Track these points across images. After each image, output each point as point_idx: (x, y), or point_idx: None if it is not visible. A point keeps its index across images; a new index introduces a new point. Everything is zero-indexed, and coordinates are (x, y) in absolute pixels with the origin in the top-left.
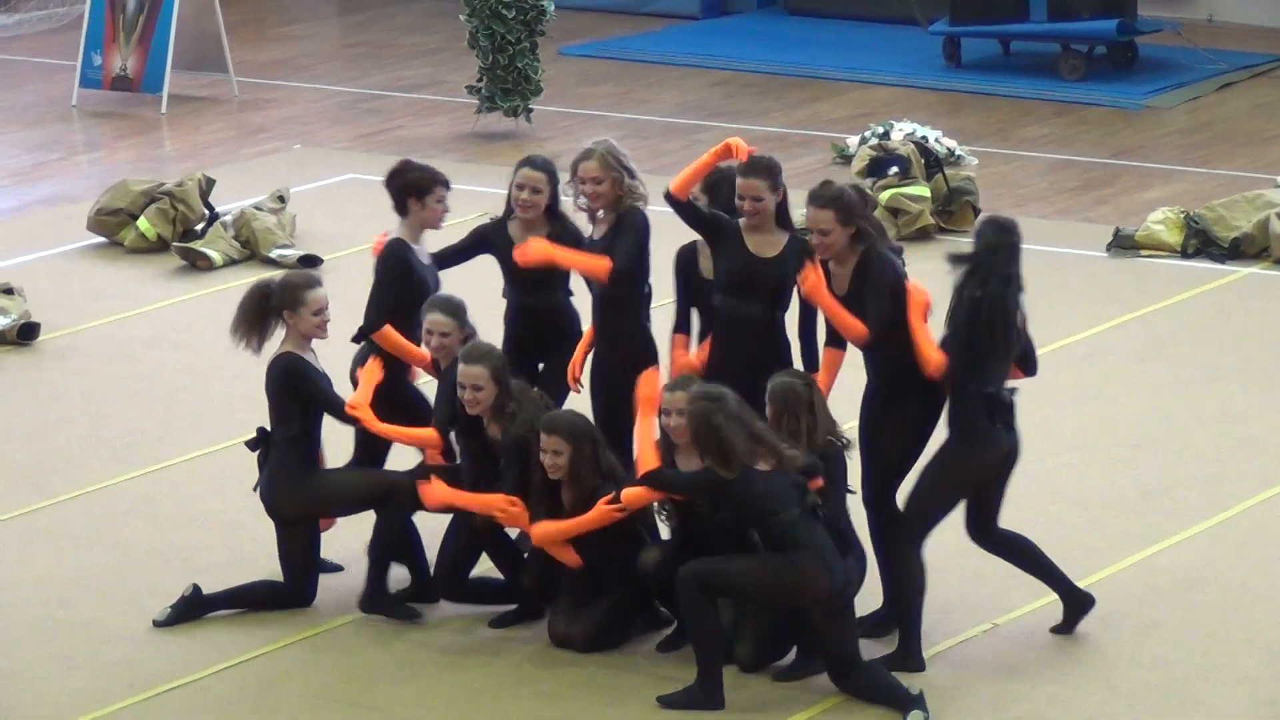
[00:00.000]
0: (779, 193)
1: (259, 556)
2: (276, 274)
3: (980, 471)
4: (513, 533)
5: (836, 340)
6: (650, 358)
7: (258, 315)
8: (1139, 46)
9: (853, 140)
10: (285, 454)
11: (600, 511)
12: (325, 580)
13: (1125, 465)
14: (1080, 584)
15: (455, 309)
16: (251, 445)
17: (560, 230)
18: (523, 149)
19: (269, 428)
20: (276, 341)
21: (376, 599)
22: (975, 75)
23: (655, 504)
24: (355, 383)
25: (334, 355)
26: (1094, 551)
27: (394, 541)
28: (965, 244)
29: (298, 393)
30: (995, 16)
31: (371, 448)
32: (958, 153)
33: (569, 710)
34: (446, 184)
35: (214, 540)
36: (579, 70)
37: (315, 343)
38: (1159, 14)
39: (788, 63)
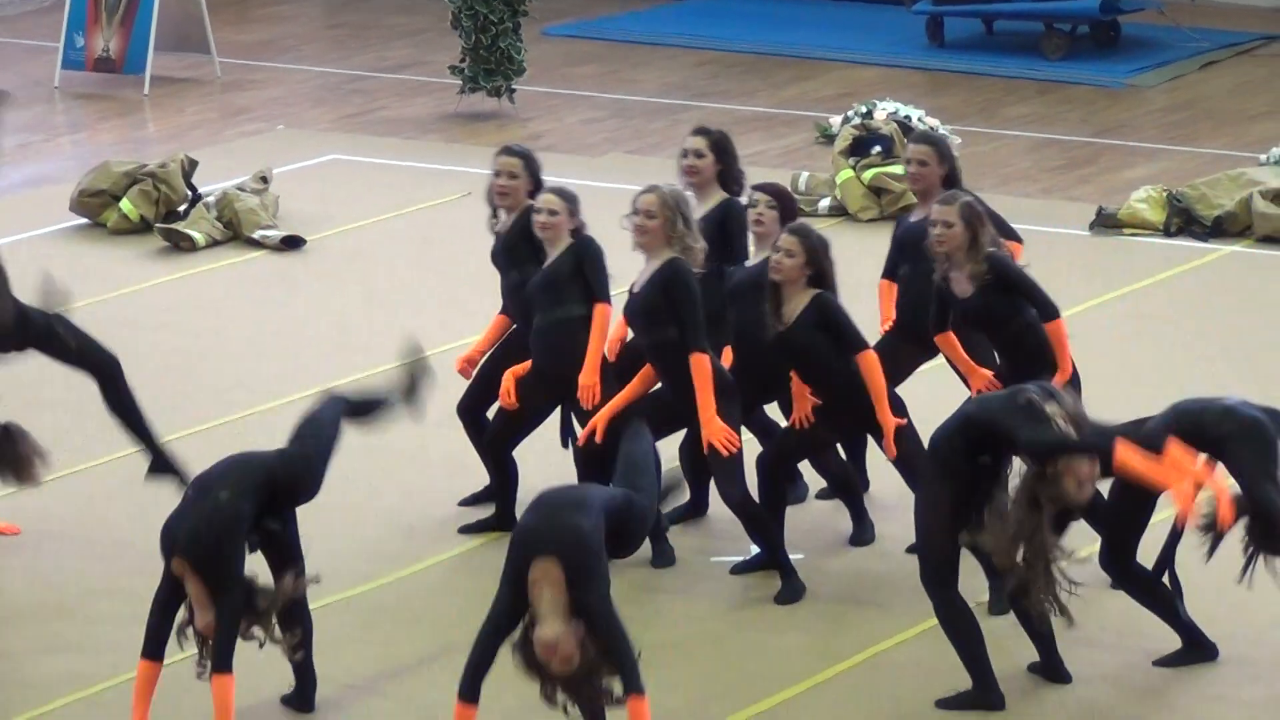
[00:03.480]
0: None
1: None
2: None
3: None
4: None
5: None
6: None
7: None
8: (1121, 25)
9: (836, 120)
10: None
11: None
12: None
13: None
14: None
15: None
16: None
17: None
18: (506, 130)
19: None
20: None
21: None
22: (958, 55)
23: None
24: None
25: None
26: (1081, 533)
27: None
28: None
29: None
30: None
31: None
32: (940, 132)
33: None
34: None
35: None
36: (563, 50)
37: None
38: None
39: (772, 43)
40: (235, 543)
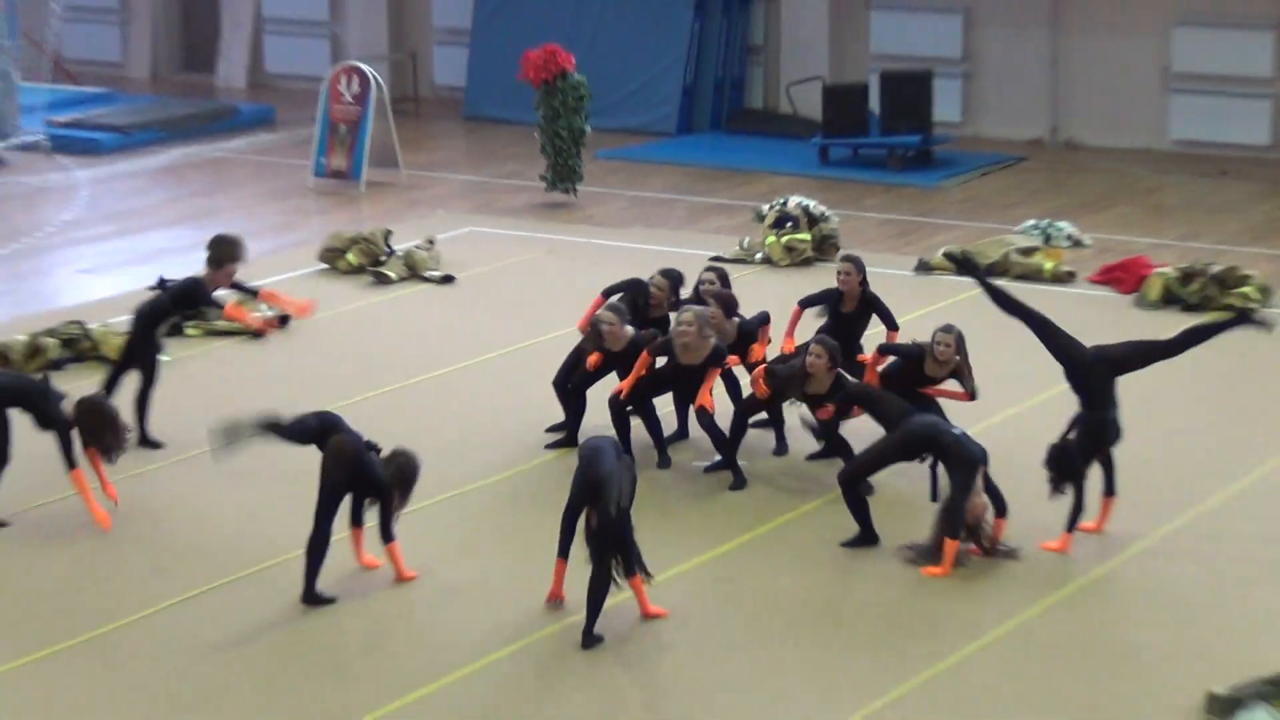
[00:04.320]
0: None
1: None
2: None
3: None
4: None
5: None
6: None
7: None
8: (935, 151)
9: (765, 207)
10: None
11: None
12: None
13: None
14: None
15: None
16: None
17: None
18: (573, 213)
19: None
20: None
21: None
22: (838, 168)
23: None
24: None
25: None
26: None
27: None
28: None
29: None
30: (849, 133)
31: None
32: (827, 214)
33: None
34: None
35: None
36: (607, 166)
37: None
38: (946, 131)
39: (727, 161)
40: (370, 475)
